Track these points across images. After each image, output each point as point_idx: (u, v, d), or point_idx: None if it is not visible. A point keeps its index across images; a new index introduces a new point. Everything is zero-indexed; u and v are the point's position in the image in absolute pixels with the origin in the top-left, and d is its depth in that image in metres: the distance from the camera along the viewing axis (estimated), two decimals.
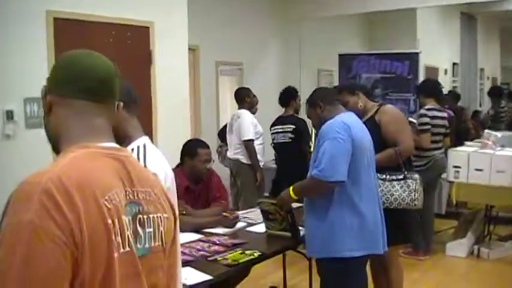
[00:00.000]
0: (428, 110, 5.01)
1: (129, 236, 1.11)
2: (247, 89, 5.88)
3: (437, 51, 9.62)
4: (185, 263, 2.70)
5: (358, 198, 2.81)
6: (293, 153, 5.33)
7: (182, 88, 4.91)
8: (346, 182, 2.76)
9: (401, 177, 3.43)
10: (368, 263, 3.62)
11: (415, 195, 3.42)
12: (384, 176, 3.43)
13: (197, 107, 6.70)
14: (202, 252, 2.89)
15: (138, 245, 1.15)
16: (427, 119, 4.95)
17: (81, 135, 1.19)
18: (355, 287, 2.92)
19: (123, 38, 4.32)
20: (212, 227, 3.43)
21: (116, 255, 1.07)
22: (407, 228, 3.61)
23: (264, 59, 7.83)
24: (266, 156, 5.90)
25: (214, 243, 3.07)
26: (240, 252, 2.90)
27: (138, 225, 1.16)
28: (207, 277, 2.55)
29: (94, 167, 1.12)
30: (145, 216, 1.18)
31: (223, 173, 6.14)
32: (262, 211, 3.33)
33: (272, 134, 5.62)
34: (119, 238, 1.08)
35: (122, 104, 1.34)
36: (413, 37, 8.69)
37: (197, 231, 3.35)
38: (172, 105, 4.72)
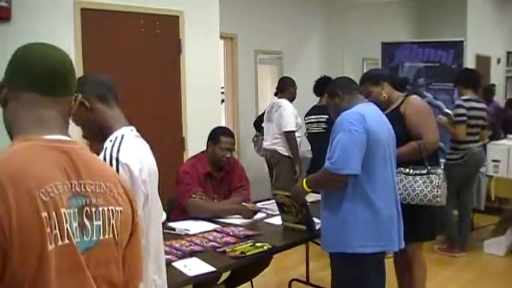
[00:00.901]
0: (465, 100, 4.78)
1: (69, 229, 1.11)
2: (292, 79, 5.79)
3: (490, 39, 9.17)
4: (193, 253, 2.70)
5: (373, 192, 2.70)
6: (326, 144, 5.21)
7: (214, 77, 4.90)
8: (360, 175, 2.66)
9: (424, 172, 3.29)
10: (393, 259, 3.55)
11: (437, 192, 3.27)
12: (408, 170, 3.31)
13: (235, 96, 6.69)
14: (212, 243, 2.87)
15: (85, 238, 1.15)
16: (463, 110, 4.73)
17: (27, 128, 1.19)
18: (369, 283, 2.81)
19: (152, 27, 4.34)
20: (229, 216, 3.41)
21: (51, 247, 1.07)
22: (431, 225, 3.47)
23: (305, 47, 7.71)
24: (303, 147, 5.83)
25: (228, 235, 3.04)
26: (250, 244, 2.86)
27: (84, 217, 1.16)
28: (211, 268, 2.52)
29: (33, 160, 1.11)
30: (93, 209, 1.18)
31: (258, 162, 6.15)
32: (277, 203, 3.27)
33: (306, 123, 5.54)
34: (56, 231, 1.08)
35: (80, 96, 1.32)
36: (464, 25, 8.32)
37: (214, 221, 3.34)
38: (203, 94, 4.72)
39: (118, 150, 1.68)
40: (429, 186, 3.26)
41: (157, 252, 1.87)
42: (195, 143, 4.38)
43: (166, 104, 4.50)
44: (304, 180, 2.96)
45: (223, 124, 6.08)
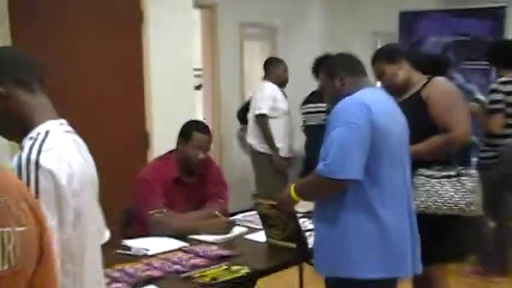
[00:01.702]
0: (503, 83, 4.70)
1: None
2: (278, 59, 5.96)
3: None
4: (150, 280, 2.64)
5: (379, 202, 2.65)
6: None
7: (185, 56, 4.89)
8: (363, 181, 2.61)
9: (453, 173, 3.27)
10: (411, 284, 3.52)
11: (471, 198, 3.24)
12: (431, 173, 3.29)
13: (216, 81, 6.66)
14: (176, 266, 2.82)
15: None
16: (500, 96, 4.64)
17: None
18: None
19: None
20: (200, 233, 3.36)
21: None
22: (458, 241, 3.44)
23: (304, 19, 7.69)
24: (296, 143, 5.82)
25: (197, 255, 2.99)
26: (224, 267, 2.81)
27: None
28: None
29: None
30: None
31: (243, 162, 6.12)
32: (260, 215, 3.22)
33: (303, 114, 5.53)
34: None
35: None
36: None
37: (183, 237, 3.29)
38: (172, 78, 4.71)
39: (39, 152, 1.60)
40: (460, 191, 3.24)
41: (95, 281, 1.82)
42: (162, 139, 4.35)
43: (125, 91, 4.47)
44: (293, 186, 2.90)
45: (200, 115, 6.08)
